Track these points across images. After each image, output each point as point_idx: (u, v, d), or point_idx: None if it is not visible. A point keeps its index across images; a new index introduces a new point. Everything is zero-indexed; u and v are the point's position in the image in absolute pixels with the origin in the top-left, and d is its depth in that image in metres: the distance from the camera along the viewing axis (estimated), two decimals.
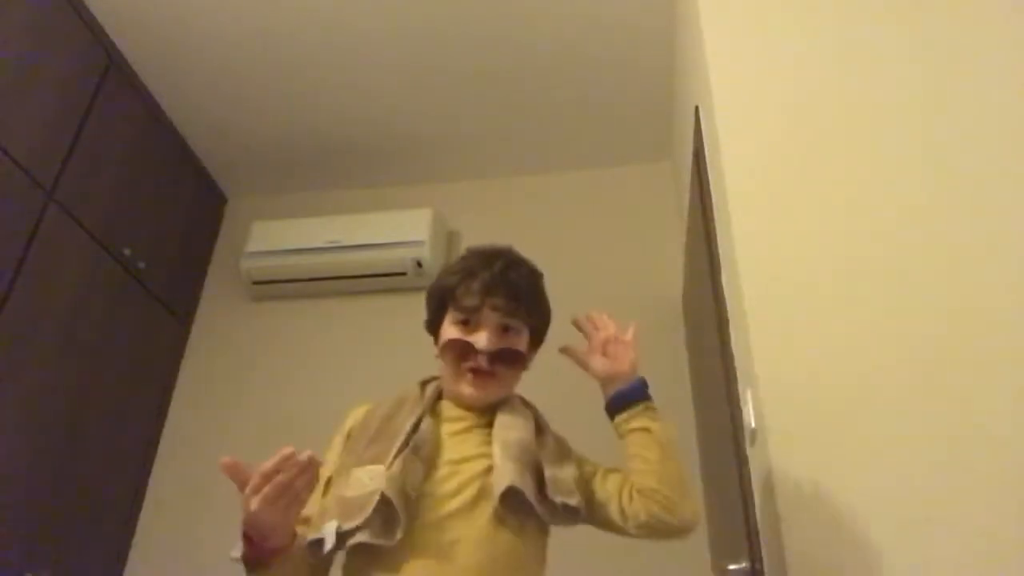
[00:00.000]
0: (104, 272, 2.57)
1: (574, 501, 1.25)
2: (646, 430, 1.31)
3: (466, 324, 1.35)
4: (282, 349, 2.91)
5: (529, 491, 1.22)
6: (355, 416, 1.40)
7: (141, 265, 2.71)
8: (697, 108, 2.08)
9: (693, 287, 2.37)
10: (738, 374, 1.60)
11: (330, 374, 2.80)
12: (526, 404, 1.41)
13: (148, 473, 2.72)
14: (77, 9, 2.48)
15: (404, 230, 2.88)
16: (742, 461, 1.55)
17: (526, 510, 1.22)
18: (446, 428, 1.33)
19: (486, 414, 1.35)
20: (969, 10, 1.75)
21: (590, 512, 1.31)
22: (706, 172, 1.94)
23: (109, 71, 2.62)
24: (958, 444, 1.31)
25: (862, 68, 1.73)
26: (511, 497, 1.21)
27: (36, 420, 2.27)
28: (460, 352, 1.34)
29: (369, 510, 1.16)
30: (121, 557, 2.57)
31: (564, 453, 1.35)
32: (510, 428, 1.31)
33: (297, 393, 2.79)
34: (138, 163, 2.76)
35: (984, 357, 1.38)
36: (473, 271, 1.37)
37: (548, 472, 1.27)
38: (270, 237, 2.95)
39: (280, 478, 1.19)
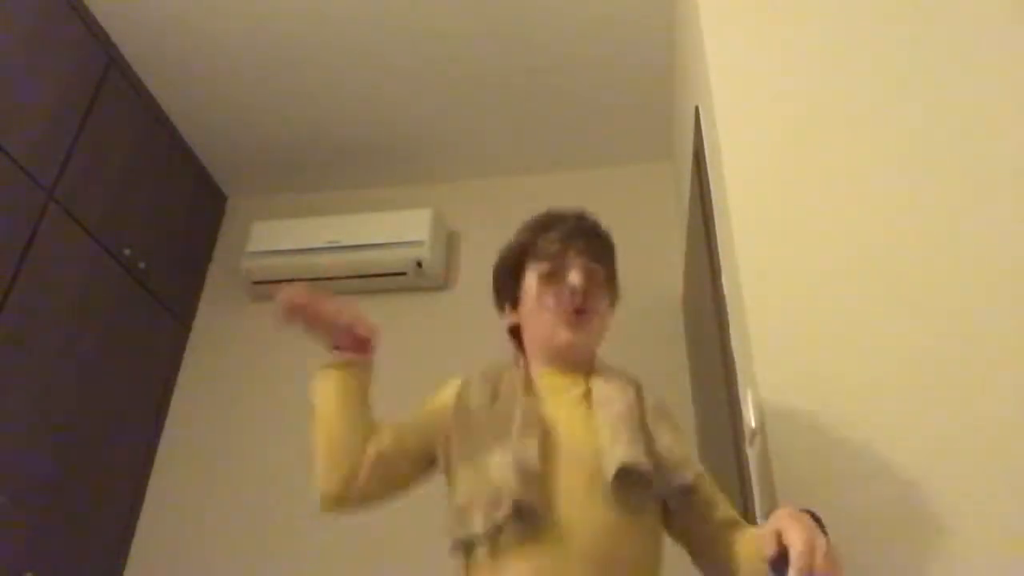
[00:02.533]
0: (104, 272, 2.57)
1: (690, 477, 1.20)
2: None
3: (549, 277, 1.33)
4: (282, 349, 2.90)
5: (643, 466, 1.16)
6: (453, 389, 1.35)
7: (141, 265, 2.71)
8: (697, 108, 2.08)
9: (693, 287, 2.37)
10: (738, 374, 1.60)
11: None
12: (625, 375, 1.37)
13: (148, 473, 2.72)
14: (77, 9, 2.48)
15: (404, 230, 2.88)
16: (742, 461, 1.55)
17: (642, 488, 1.17)
18: (554, 400, 1.28)
19: (582, 377, 1.32)
20: (970, 11, 1.76)
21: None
22: (706, 172, 1.94)
23: (109, 71, 2.62)
24: (958, 444, 1.31)
25: (862, 68, 1.73)
26: (624, 477, 1.15)
27: (36, 420, 2.27)
28: (556, 292, 1.31)
29: (506, 508, 1.12)
30: (121, 557, 2.57)
31: (670, 421, 1.29)
32: (612, 399, 1.26)
33: (297, 393, 2.79)
34: (138, 163, 2.76)
35: (984, 357, 1.38)
36: (548, 224, 1.37)
37: (658, 446, 1.22)
38: (270, 237, 2.95)
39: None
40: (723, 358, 1.72)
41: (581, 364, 1.34)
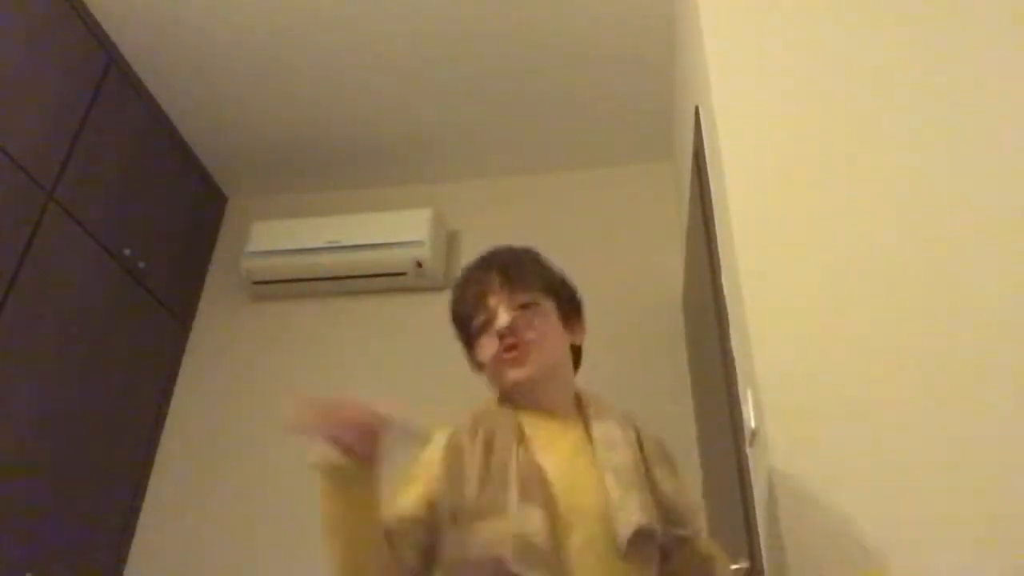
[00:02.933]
0: (104, 272, 2.57)
1: (688, 532, 1.20)
2: None
3: (488, 326, 1.28)
4: (282, 349, 2.91)
5: (657, 525, 1.13)
6: (439, 446, 1.25)
7: (141, 265, 2.71)
8: (697, 108, 2.08)
9: (693, 287, 2.37)
10: (738, 374, 1.60)
11: (330, 374, 2.80)
12: (621, 416, 1.31)
13: (148, 473, 2.72)
14: (77, 9, 2.48)
15: (404, 230, 2.88)
16: (742, 461, 1.55)
17: (651, 543, 1.14)
18: (548, 447, 1.21)
19: (571, 418, 1.27)
20: (970, 12, 1.75)
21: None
22: (706, 172, 1.94)
23: (109, 71, 2.62)
24: (958, 444, 1.31)
25: (862, 68, 1.73)
26: (638, 537, 1.11)
27: (36, 420, 2.27)
28: (489, 345, 1.27)
29: None
30: (121, 557, 2.57)
31: (670, 464, 1.27)
32: (614, 447, 1.21)
33: (297, 393, 2.79)
34: (138, 163, 2.76)
35: (985, 357, 1.38)
36: (466, 280, 1.36)
37: (667, 499, 1.19)
38: (270, 237, 2.95)
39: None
40: (723, 358, 1.72)
41: (560, 404, 1.28)
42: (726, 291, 1.71)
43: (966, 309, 1.43)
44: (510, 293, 1.29)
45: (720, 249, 1.77)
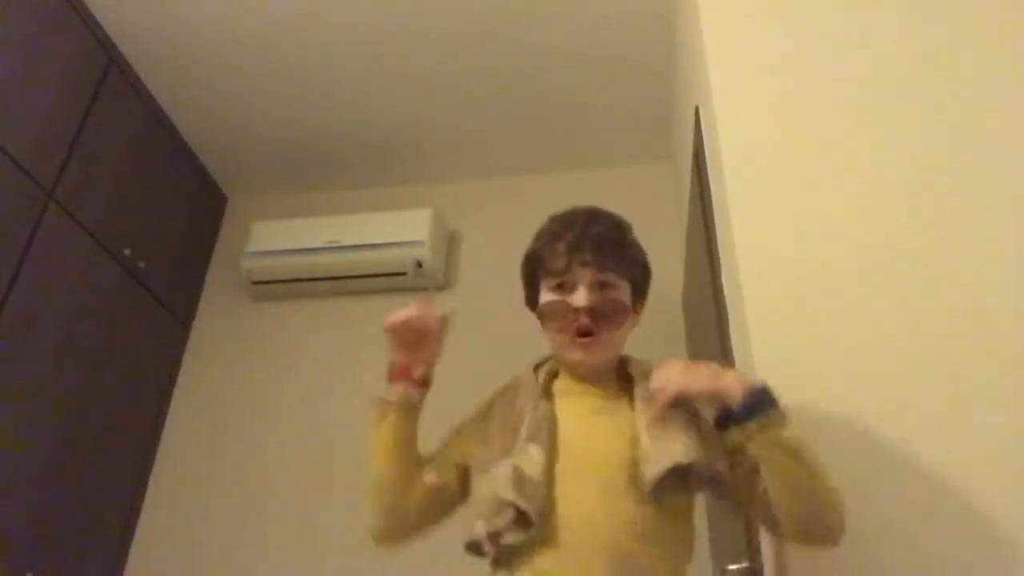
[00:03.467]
0: (104, 272, 2.57)
1: (719, 467, 1.20)
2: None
3: (561, 288, 1.31)
4: (282, 349, 2.91)
5: (695, 459, 1.16)
6: (484, 402, 1.39)
7: (141, 265, 2.71)
8: (697, 108, 2.08)
9: (693, 287, 2.37)
10: None
11: (330, 374, 2.80)
12: None
13: (148, 473, 2.72)
14: (77, 9, 2.48)
15: (404, 230, 2.88)
16: None
17: (677, 489, 1.18)
18: (568, 404, 1.30)
19: (619, 384, 1.33)
20: (970, 10, 1.75)
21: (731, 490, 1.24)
22: (706, 172, 1.94)
23: (109, 71, 2.62)
24: (958, 444, 1.32)
25: (862, 68, 1.73)
26: (666, 480, 1.15)
27: (36, 420, 2.27)
28: (560, 315, 1.30)
29: (508, 514, 1.15)
30: (121, 557, 2.57)
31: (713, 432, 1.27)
32: (653, 401, 1.25)
33: (297, 393, 2.80)
34: (138, 163, 2.76)
35: (985, 357, 1.38)
36: (556, 233, 1.34)
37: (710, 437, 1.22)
38: (270, 237, 2.95)
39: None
40: (723, 358, 1.72)
41: (600, 373, 1.34)
42: (726, 291, 1.71)
43: (967, 309, 1.43)
44: (597, 270, 1.31)
45: (720, 249, 1.77)
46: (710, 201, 1.86)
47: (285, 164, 3.18)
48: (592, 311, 1.28)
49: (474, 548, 1.20)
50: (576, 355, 1.30)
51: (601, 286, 1.31)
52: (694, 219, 2.20)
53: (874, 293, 1.47)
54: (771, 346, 1.44)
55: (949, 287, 1.46)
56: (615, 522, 1.15)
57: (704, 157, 1.97)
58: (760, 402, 1.15)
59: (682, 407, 1.25)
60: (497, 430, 1.29)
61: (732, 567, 1.50)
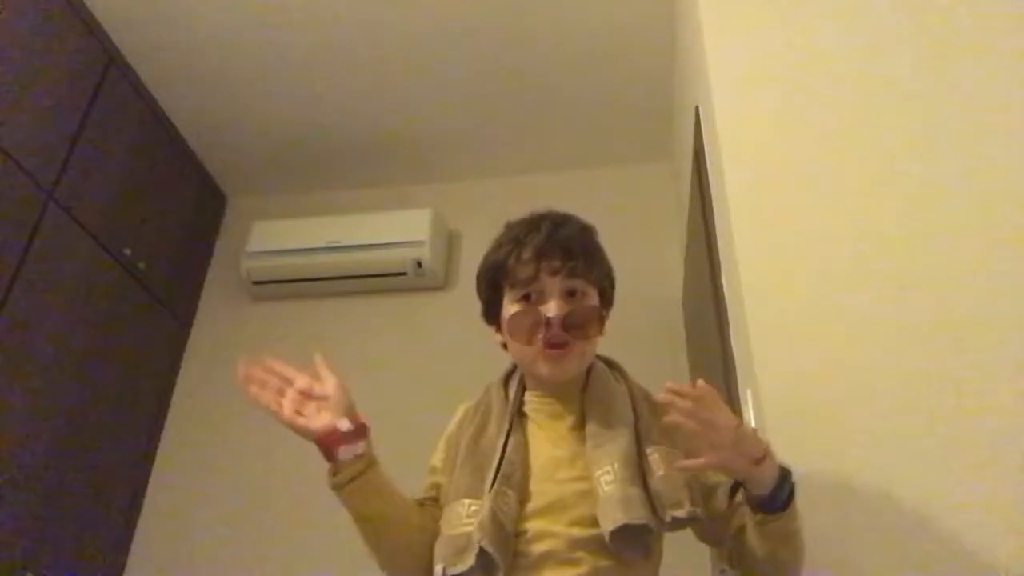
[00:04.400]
0: (104, 272, 2.57)
1: (683, 512, 1.11)
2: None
3: (527, 299, 1.23)
4: (282, 349, 2.88)
5: (642, 516, 1.09)
6: (455, 420, 1.33)
7: (141, 265, 2.71)
8: (697, 108, 2.08)
9: (693, 287, 2.37)
10: (738, 374, 1.60)
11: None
12: (613, 369, 1.30)
13: (148, 473, 2.72)
14: (77, 9, 2.48)
15: (404, 230, 2.88)
16: None
17: (639, 536, 1.10)
18: (536, 433, 1.23)
19: (576, 395, 1.25)
20: (970, 10, 1.75)
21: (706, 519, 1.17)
22: (706, 172, 1.94)
23: (109, 71, 2.62)
24: (958, 443, 1.31)
25: (861, 68, 1.73)
26: (622, 533, 1.08)
27: (36, 420, 2.27)
28: (530, 327, 1.21)
29: (471, 558, 1.09)
30: (121, 557, 2.57)
31: (668, 438, 1.19)
32: (606, 433, 1.18)
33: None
34: (138, 163, 2.76)
35: (984, 356, 1.38)
36: (520, 239, 1.26)
37: (653, 484, 1.14)
38: (270, 237, 2.95)
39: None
40: (723, 358, 1.72)
41: (569, 388, 1.27)
42: (726, 291, 1.71)
43: (967, 308, 1.43)
44: (566, 276, 1.23)
45: (720, 249, 1.77)
46: (710, 201, 1.86)
47: (285, 164, 3.18)
48: (564, 321, 1.20)
49: None
50: (546, 369, 1.22)
51: (570, 294, 1.23)
52: (694, 219, 2.20)
53: (874, 293, 1.47)
54: (771, 346, 1.44)
55: (950, 286, 1.45)
56: (579, 570, 1.10)
57: (704, 157, 1.97)
58: (783, 496, 1.07)
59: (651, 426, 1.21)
60: (467, 457, 1.21)
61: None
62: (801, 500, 1.09)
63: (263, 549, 2.52)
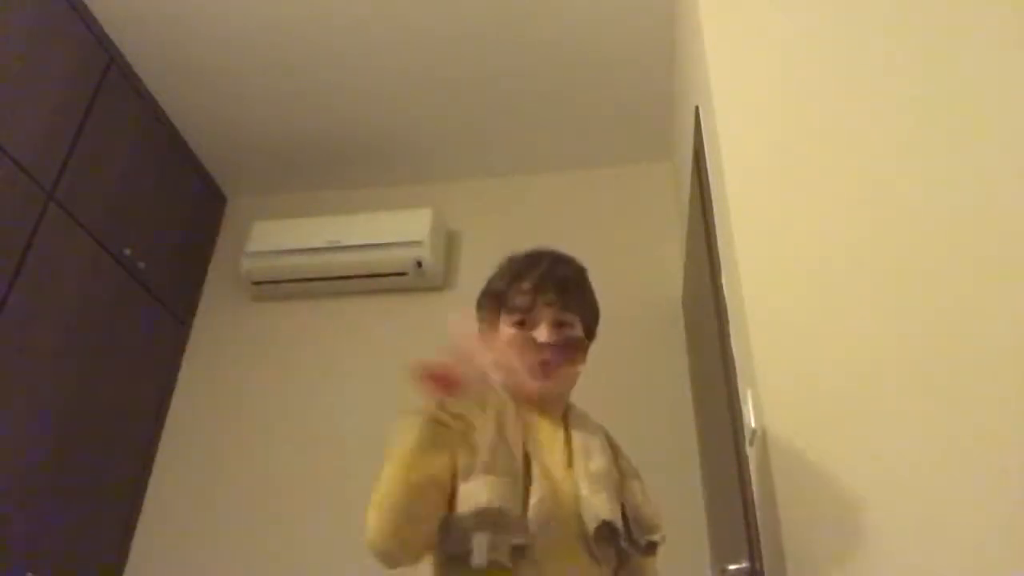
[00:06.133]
0: (104, 272, 2.57)
1: (658, 537, 1.28)
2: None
3: (521, 324, 1.35)
4: (282, 349, 2.91)
5: (619, 525, 1.23)
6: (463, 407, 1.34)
7: (141, 265, 2.71)
8: (697, 108, 2.08)
9: (693, 287, 2.37)
10: (738, 374, 1.60)
11: (330, 374, 2.80)
12: (588, 417, 1.42)
13: (148, 473, 2.72)
14: (77, 9, 2.48)
15: (404, 230, 2.88)
16: (742, 461, 1.55)
17: (611, 543, 1.23)
18: (543, 451, 1.31)
19: (559, 419, 1.36)
20: (970, 11, 1.75)
21: None
22: (706, 172, 1.94)
23: (109, 71, 2.62)
24: (958, 443, 1.32)
25: (862, 68, 1.73)
26: (602, 531, 1.21)
27: (36, 420, 2.27)
28: (521, 347, 1.33)
29: (505, 551, 1.14)
30: (121, 557, 2.57)
31: (639, 480, 1.36)
32: (591, 452, 1.31)
33: (297, 393, 2.80)
34: (138, 163, 2.76)
35: (984, 356, 1.38)
36: (520, 272, 1.39)
37: (631, 507, 1.28)
38: (270, 237, 2.95)
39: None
40: (723, 358, 1.72)
41: (554, 406, 1.37)
42: (726, 291, 1.71)
43: (967, 309, 1.43)
44: (559, 310, 1.36)
45: (720, 249, 1.77)
46: (710, 201, 1.86)
47: (285, 164, 3.18)
48: (553, 347, 1.33)
49: (453, 559, 1.18)
50: (535, 383, 1.33)
51: (560, 324, 1.35)
52: (694, 219, 2.20)
53: (874, 292, 1.47)
54: (771, 346, 1.44)
55: (950, 286, 1.45)
56: (577, 570, 1.20)
57: (704, 157, 1.97)
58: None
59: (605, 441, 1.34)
60: (491, 441, 1.24)
61: (732, 567, 1.50)
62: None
63: (263, 549, 2.52)
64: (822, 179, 1.61)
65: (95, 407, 2.50)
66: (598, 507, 1.22)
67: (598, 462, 1.29)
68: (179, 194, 3.01)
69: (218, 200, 3.29)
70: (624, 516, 1.26)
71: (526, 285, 1.36)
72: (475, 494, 1.19)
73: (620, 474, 1.32)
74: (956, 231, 1.51)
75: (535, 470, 1.24)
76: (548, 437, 1.34)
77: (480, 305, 1.44)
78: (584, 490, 1.25)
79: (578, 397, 1.49)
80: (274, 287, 2.97)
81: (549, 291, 1.36)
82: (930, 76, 1.69)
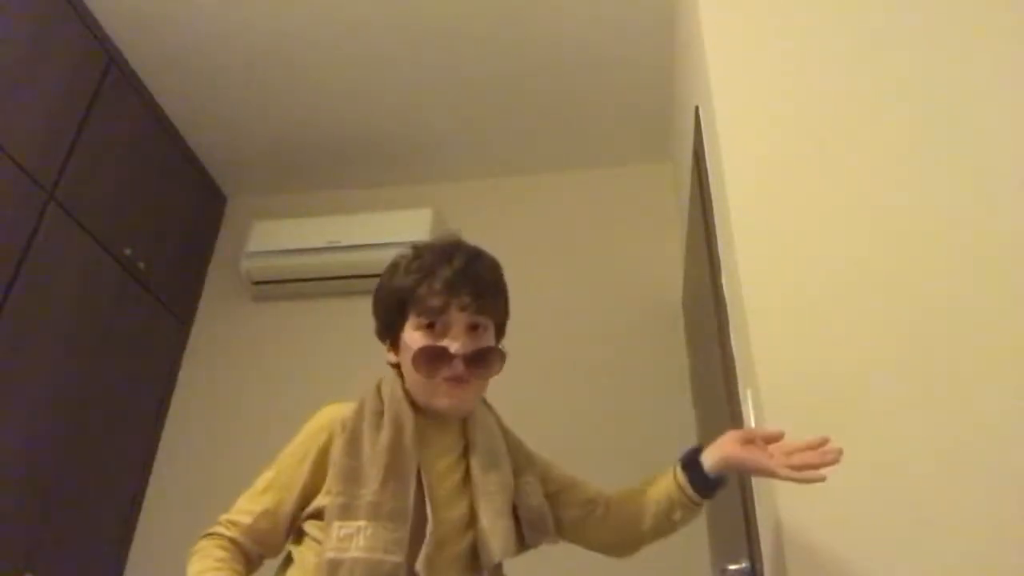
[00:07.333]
0: (104, 272, 2.57)
1: (550, 540, 1.31)
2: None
3: (431, 328, 1.24)
4: (282, 349, 2.91)
5: (511, 551, 1.24)
6: (331, 427, 1.34)
7: (141, 265, 2.71)
8: (697, 108, 2.08)
9: (693, 288, 2.37)
10: (738, 374, 1.60)
11: (330, 374, 2.79)
12: (484, 405, 1.36)
13: (148, 473, 2.72)
14: (77, 9, 2.48)
15: (404, 230, 2.87)
16: None
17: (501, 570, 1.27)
18: (428, 457, 1.25)
19: (457, 427, 1.31)
20: (970, 11, 1.75)
21: (559, 525, 1.35)
22: (706, 172, 1.94)
23: (109, 71, 2.62)
24: (957, 443, 1.31)
25: (862, 68, 1.73)
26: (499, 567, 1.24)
27: (36, 420, 2.27)
28: (433, 360, 1.23)
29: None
30: (121, 557, 2.57)
31: (531, 467, 1.34)
32: (490, 465, 1.26)
33: (297, 393, 2.79)
34: (138, 163, 2.76)
35: (983, 357, 1.38)
36: (432, 269, 1.25)
37: (524, 509, 1.28)
38: (270, 237, 2.95)
39: None
40: (723, 358, 1.72)
41: (454, 418, 1.31)
42: (726, 291, 1.71)
43: (967, 309, 1.43)
44: (473, 313, 1.24)
45: (720, 249, 1.77)
46: (710, 201, 1.86)
47: (285, 164, 3.18)
48: (468, 358, 1.23)
49: None
50: (446, 402, 1.24)
51: (473, 328, 1.25)
52: (694, 219, 2.20)
53: (874, 293, 1.47)
54: (771, 346, 1.44)
55: (950, 287, 1.45)
56: None
57: (704, 157, 1.97)
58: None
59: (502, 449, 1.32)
60: (382, 475, 1.19)
61: (732, 567, 1.50)
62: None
63: None
64: (822, 179, 1.60)
65: (95, 407, 2.50)
66: (494, 549, 1.20)
67: (495, 477, 1.25)
68: (179, 194, 3.01)
69: (218, 200, 3.29)
70: (517, 518, 1.26)
71: (438, 285, 1.23)
72: (354, 543, 1.14)
73: (515, 474, 1.29)
74: (956, 231, 1.51)
75: (428, 508, 1.18)
76: (447, 450, 1.27)
77: (379, 302, 1.34)
78: (484, 520, 1.20)
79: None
80: (274, 287, 2.97)
81: (464, 293, 1.23)
82: (931, 75, 1.69)
